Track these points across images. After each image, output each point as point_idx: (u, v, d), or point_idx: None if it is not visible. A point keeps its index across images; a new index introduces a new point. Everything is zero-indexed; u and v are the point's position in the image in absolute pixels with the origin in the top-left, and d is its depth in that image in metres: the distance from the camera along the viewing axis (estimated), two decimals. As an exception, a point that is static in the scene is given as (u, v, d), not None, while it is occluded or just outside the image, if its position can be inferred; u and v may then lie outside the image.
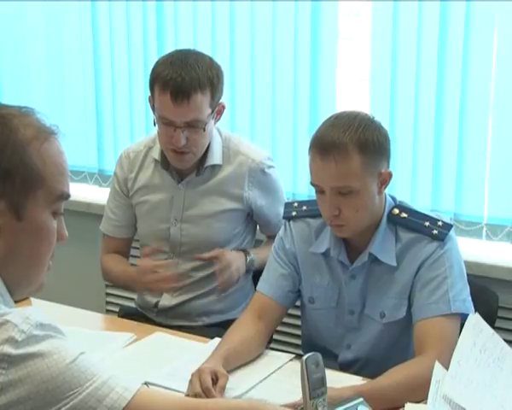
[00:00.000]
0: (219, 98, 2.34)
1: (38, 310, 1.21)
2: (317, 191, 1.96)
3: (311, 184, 1.96)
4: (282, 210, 2.25)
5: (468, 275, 2.02)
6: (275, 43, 2.99)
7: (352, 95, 3.05)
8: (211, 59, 2.34)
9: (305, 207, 2.13)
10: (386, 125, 2.11)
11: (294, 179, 3.03)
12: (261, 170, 2.44)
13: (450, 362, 1.70)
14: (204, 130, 2.29)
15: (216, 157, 2.41)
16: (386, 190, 2.01)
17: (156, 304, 2.54)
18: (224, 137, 2.45)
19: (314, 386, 1.54)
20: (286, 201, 2.44)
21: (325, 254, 2.07)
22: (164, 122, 2.29)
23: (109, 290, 3.59)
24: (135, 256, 2.84)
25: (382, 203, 2.00)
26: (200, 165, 2.41)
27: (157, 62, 2.32)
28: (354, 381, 1.88)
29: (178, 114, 2.24)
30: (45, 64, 3.68)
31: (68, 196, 1.34)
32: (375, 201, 1.96)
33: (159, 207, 2.48)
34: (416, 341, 1.93)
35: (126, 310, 2.74)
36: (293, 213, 2.14)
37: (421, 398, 1.73)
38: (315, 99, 2.94)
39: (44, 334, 1.18)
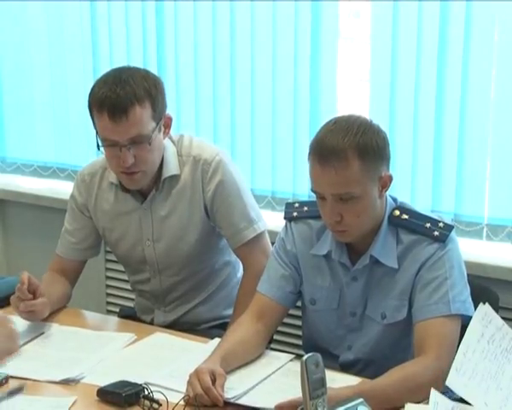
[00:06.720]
0: (163, 110, 2.25)
1: None
2: (317, 197, 1.95)
3: (312, 190, 1.95)
4: (247, 204, 2.29)
5: (468, 275, 2.01)
6: (275, 43, 2.98)
7: (352, 95, 3.05)
8: (146, 72, 2.26)
9: (306, 208, 2.12)
10: (385, 125, 2.10)
11: (295, 180, 3.02)
12: (212, 168, 2.32)
13: (450, 363, 1.70)
14: (150, 144, 2.19)
15: (172, 168, 2.32)
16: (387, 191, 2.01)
17: (151, 321, 2.50)
18: (177, 144, 2.36)
19: (314, 386, 1.54)
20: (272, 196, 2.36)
21: (326, 256, 2.07)
22: (108, 144, 2.19)
23: (110, 291, 3.59)
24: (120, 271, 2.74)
25: (383, 206, 2.00)
26: (158, 180, 2.33)
27: (93, 85, 2.23)
28: (355, 382, 1.86)
29: (119, 132, 2.15)
30: (47, 64, 3.67)
31: None
32: (376, 205, 1.95)
33: (128, 233, 2.42)
34: (415, 342, 1.92)
35: (127, 311, 2.73)
36: (295, 214, 2.13)
37: (421, 398, 1.74)
38: (315, 99, 2.93)
39: None
